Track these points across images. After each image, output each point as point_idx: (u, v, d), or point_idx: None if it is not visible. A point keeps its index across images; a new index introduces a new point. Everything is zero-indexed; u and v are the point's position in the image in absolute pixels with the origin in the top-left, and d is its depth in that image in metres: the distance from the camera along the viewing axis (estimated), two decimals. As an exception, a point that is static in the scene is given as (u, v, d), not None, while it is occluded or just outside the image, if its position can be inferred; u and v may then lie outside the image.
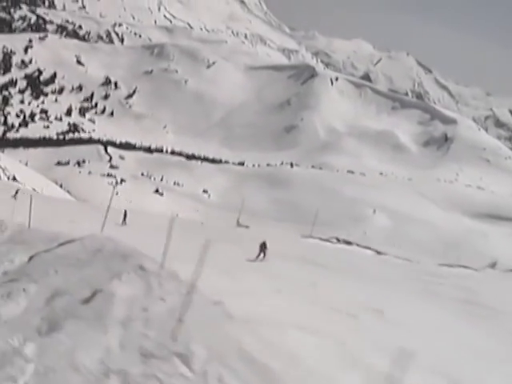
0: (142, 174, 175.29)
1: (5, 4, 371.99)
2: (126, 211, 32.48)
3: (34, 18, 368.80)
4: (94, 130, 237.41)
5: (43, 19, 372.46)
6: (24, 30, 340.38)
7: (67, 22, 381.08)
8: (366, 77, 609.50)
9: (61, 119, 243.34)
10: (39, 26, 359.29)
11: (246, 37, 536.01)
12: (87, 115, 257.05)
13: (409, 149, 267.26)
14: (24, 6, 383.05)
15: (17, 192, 37.92)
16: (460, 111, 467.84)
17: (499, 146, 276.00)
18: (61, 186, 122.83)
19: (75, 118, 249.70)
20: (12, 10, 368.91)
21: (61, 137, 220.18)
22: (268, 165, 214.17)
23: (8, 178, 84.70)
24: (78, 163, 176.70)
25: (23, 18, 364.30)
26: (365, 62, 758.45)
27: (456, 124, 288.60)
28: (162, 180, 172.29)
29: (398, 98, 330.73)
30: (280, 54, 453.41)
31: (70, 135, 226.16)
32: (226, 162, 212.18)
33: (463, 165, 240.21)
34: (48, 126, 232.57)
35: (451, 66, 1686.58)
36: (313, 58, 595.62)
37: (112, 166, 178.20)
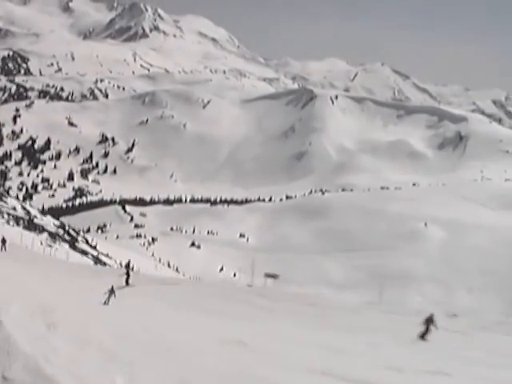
0: (172, 229, 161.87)
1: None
2: None
3: (14, 88, 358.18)
4: (100, 191, 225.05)
5: (23, 87, 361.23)
6: (6, 101, 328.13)
7: (48, 86, 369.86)
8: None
9: (64, 185, 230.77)
10: (21, 94, 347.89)
11: (224, 73, 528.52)
12: (90, 177, 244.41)
13: (425, 154, 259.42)
14: (1, 77, 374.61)
15: None
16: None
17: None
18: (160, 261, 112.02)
19: (78, 181, 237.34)
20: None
21: (69, 204, 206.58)
22: (288, 197, 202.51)
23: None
24: (100, 229, 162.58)
25: (3, 89, 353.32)
26: (342, 78, 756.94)
27: (467, 121, 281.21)
28: (194, 232, 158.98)
29: (402, 106, 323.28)
30: (265, 84, 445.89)
31: (78, 200, 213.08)
32: (251, 200, 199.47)
33: (484, 160, 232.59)
34: (53, 195, 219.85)
35: (426, 69, 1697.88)
36: (294, 83, 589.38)
37: (137, 226, 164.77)
